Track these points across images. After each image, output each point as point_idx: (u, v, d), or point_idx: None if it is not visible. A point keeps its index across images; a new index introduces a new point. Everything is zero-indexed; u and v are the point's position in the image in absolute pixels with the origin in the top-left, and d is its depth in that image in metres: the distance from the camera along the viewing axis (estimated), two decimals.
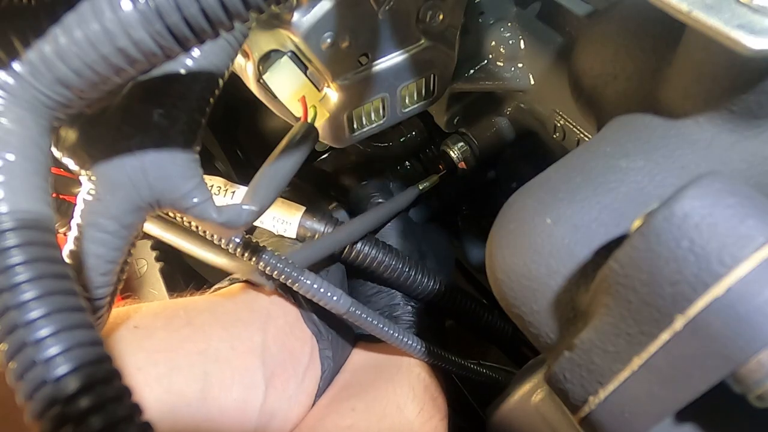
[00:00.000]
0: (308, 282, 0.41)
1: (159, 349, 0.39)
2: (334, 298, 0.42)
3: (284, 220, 0.51)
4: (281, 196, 0.52)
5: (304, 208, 0.51)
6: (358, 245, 0.51)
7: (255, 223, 0.50)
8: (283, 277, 0.41)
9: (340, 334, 0.52)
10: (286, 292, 0.49)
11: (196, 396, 0.38)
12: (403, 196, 0.56)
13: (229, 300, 0.47)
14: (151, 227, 0.44)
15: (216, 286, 0.51)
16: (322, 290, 0.42)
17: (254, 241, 0.40)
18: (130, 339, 0.38)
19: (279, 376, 0.45)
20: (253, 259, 0.40)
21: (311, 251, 0.47)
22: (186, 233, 0.44)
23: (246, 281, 0.49)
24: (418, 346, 0.47)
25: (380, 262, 0.51)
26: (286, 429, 0.45)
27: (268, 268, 0.41)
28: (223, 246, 0.40)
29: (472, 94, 0.55)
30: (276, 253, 0.41)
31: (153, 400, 0.36)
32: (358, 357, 0.53)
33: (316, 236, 0.50)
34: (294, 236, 0.51)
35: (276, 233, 0.51)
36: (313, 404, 0.48)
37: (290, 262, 0.42)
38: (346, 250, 0.51)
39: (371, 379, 0.49)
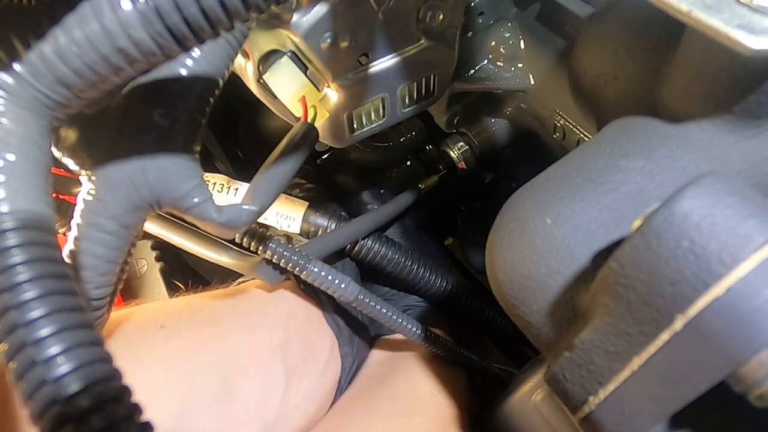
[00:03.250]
0: (316, 270, 0.41)
1: (185, 347, 0.40)
2: (342, 285, 0.42)
3: (288, 215, 0.51)
4: (284, 193, 0.52)
5: (307, 204, 0.52)
6: (365, 241, 0.51)
7: (259, 219, 0.50)
8: (290, 265, 0.41)
9: (359, 334, 0.53)
10: (307, 289, 0.50)
11: (218, 393, 0.39)
12: (404, 196, 0.56)
13: (252, 296, 0.48)
14: (151, 227, 0.44)
15: (240, 280, 0.51)
16: (330, 278, 0.41)
17: (260, 230, 0.40)
18: (158, 338, 0.40)
19: (299, 372, 0.45)
20: (260, 248, 0.40)
21: (320, 244, 0.47)
22: (187, 231, 0.44)
23: None
24: (423, 333, 0.47)
25: (384, 256, 0.52)
26: (305, 423, 0.46)
27: (275, 257, 0.40)
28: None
29: (472, 94, 0.55)
30: (282, 242, 0.41)
31: (177, 398, 0.37)
32: (375, 355, 0.54)
33: (320, 232, 0.51)
34: (298, 232, 0.51)
35: (280, 229, 0.52)
36: (334, 401, 0.49)
37: (296, 250, 0.41)
38: (352, 246, 0.51)
39: (386, 370, 0.50)
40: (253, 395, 0.41)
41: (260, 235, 0.40)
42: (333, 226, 0.51)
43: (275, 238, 0.41)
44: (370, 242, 0.52)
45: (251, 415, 0.41)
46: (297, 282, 0.49)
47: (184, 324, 0.42)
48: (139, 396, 0.37)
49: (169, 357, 0.39)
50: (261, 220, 0.51)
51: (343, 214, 0.53)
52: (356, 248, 0.51)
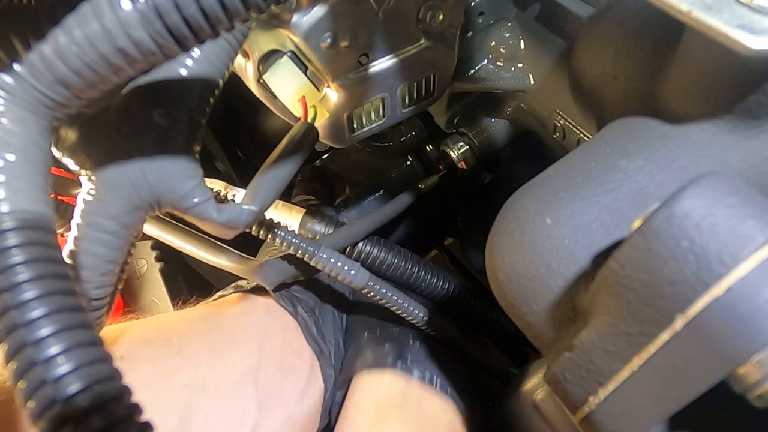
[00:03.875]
0: (325, 256, 0.41)
1: (142, 383, 0.37)
2: (352, 272, 0.41)
3: (284, 222, 0.51)
4: (282, 199, 0.52)
5: (304, 210, 0.51)
6: (362, 246, 0.51)
7: None
8: (300, 252, 0.40)
9: (344, 350, 0.50)
10: (286, 302, 0.48)
11: (178, 429, 0.38)
12: (404, 197, 0.56)
13: (226, 318, 0.46)
14: (152, 230, 0.43)
15: (219, 294, 0.50)
16: (339, 264, 0.41)
17: (268, 219, 0.40)
18: None
19: (273, 399, 0.43)
20: (269, 235, 0.39)
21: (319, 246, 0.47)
22: (187, 235, 0.44)
23: (246, 292, 0.49)
24: (431, 320, 0.46)
25: (383, 261, 0.51)
26: None
27: (285, 244, 0.40)
28: None
29: (472, 94, 0.55)
30: (291, 230, 0.40)
31: None
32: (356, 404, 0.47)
33: (317, 238, 0.50)
34: None
35: None
36: (322, 425, 0.46)
37: (306, 238, 0.41)
38: (350, 251, 0.51)
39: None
40: (219, 429, 0.39)
41: (268, 223, 0.40)
42: (330, 232, 0.50)
43: (284, 226, 0.40)
44: (368, 247, 0.51)
45: None
46: (277, 297, 0.48)
47: (145, 355, 0.40)
48: None
49: None
50: None
51: (340, 220, 0.53)
52: (354, 253, 0.51)
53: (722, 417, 0.23)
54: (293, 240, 0.40)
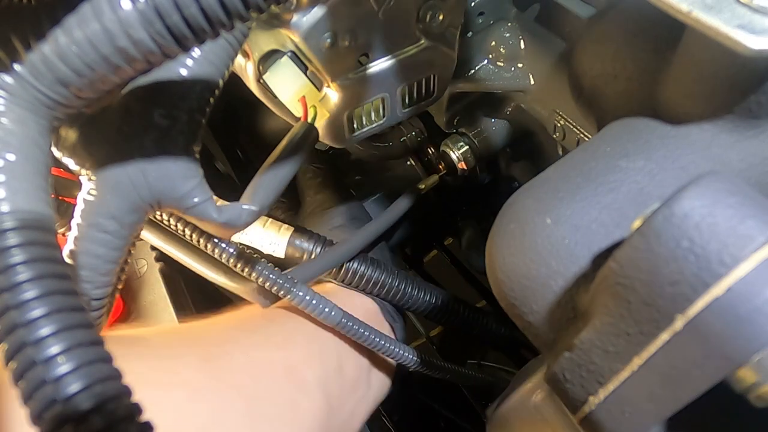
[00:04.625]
0: (301, 294, 0.42)
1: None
2: (326, 310, 0.43)
3: (272, 241, 0.50)
4: (270, 216, 0.52)
5: (293, 229, 0.51)
6: (350, 264, 0.50)
7: (244, 243, 0.50)
8: (275, 288, 0.41)
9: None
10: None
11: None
12: (404, 198, 0.56)
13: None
14: (151, 237, 0.43)
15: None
16: (314, 302, 0.42)
17: (248, 252, 0.40)
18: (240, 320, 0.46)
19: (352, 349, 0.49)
20: (246, 270, 0.40)
21: (313, 268, 0.47)
22: (189, 249, 0.44)
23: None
24: (413, 357, 0.47)
25: (369, 279, 0.50)
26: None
27: (261, 279, 0.41)
28: (216, 257, 0.39)
29: (472, 94, 0.55)
30: (269, 265, 0.41)
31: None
32: None
33: (305, 256, 0.49)
34: (282, 256, 0.50)
35: (264, 253, 0.51)
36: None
37: (283, 273, 0.42)
38: (338, 270, 0.49)
39: None
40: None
41: (247, 257, 0.40)
42: (318, 250, 0.49)
43: (263, 260, 0.41)
44: (355, 264, 0.50)
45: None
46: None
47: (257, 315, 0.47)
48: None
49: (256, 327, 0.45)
50: (248, 242, 0.50)
51: (327, 238, 0.51)
52: (341, 272, 0.50)
53: (722, 417, 0.23)
54: (270, 276, 0.41)
